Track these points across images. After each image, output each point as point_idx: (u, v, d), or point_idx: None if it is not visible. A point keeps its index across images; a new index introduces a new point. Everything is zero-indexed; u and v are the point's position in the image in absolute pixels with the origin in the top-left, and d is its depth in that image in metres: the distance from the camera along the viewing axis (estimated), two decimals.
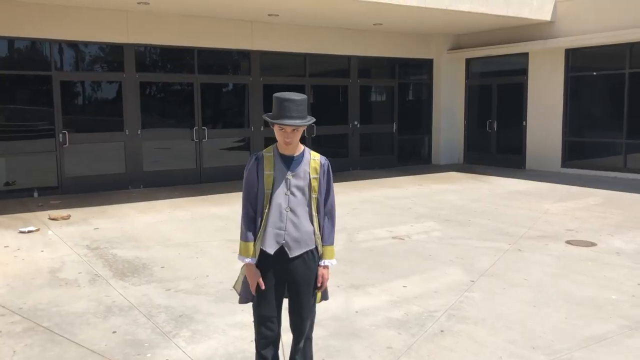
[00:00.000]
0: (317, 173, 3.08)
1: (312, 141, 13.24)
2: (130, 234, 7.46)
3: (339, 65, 13.86)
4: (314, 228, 3.07)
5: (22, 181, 10.26)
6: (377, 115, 14.74)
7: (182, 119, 11.90)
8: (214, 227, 7.84)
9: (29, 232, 7.55)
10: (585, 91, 12.87)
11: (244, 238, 3.04)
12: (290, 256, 3.02)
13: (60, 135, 10.49)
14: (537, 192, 10.58)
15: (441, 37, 15.06)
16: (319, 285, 3.11)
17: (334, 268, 5.82)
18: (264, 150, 3.12)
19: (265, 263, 3.02)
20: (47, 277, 5.64)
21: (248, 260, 3.01)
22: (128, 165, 11.25)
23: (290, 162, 3.05)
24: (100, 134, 11.00)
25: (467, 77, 15.28)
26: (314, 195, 3.07)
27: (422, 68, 15.31)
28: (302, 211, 3.05)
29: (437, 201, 9.79)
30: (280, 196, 3.01)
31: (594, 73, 12.60)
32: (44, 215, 8.64)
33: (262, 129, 12.63)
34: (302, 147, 3.09)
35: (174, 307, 4.78)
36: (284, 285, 3.09)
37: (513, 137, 14.32)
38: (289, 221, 3.01)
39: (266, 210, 3.01)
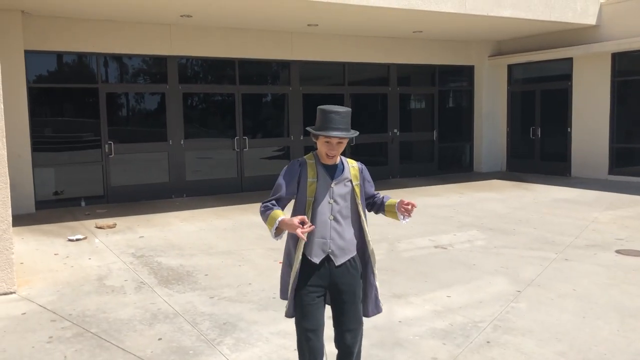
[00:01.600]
0: (357, 180, 3.11)
1: (352, 150, 13.23)
2: (174, 242, 7.59)
3: (378, 74, 13.84)
4: (359, 234, 3.10)
5: (69, 190, 10.57)
6: (417, 123, 14.63)
7: (223, 128, 12.07)
8: (255, 236, 7.90)
9: (77, 240, 7.77)
10: (633, 96, 12.47)
11: (267, 213, 2.98)
12: (336, 264, 3.02)
13: (106, 145, 10.77)
14: (584, 200, 10.29)
15: (482, 43, 14.88)
16: (409, 207, 3.09)
17: None
18: (306, 157, 3.11)
19: (309, 272, 3.01)
20: (95, 284, 5.78)
21: (280, 218, 2.91)
22: (171, 174, 11.47)
23: (332, 172, 3.06)
24: (144, 144, 11.25)
25: (509, 83, 15.03)
26: (358, 201, 3.09)
27: (463, 75, 15.14)
28: (345, 219, 3.06)
29: (479, 209, 9.63)
30: (324, 205, 3.02)
31: None
32: (91, 223, 8.87)
33: (301, 138, 12.69)
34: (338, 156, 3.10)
35: (217, 314, 4.83)
36: (326, 295, 3.08)
37: (557, 144, 13.99)
38: (333, 230, 3.03)
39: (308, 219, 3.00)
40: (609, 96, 12.74)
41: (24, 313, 4.97)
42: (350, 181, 3.08)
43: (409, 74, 14.31)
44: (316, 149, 3.08)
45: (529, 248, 6.94)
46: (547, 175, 13.93)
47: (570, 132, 13.62)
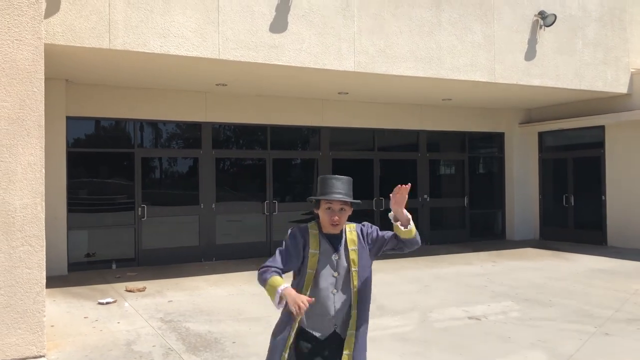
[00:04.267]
0: (355, 245, 2.99)
1: (381, 215, 13.16)
2: (203, 307, 7.54)
3: (407, 140, 13.94)
4: (356, 302, 2.95)
5: (101, 253, 10.69)
6: (447, 189, 14.57)
7: (253, 192, 12.20)
8: None
9: (107, 303, 7.78)
10: None
11: (266, 277, 2.84)
12: (342, 337, 2.93)
13: (139, 208, 10.95)
14: (623, 271, 9.96)
15: (512, 110, 14.95)
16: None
17: (406, 349, 5.61)
18: (309, 225, 3.03)
19: (314, 348, 2.90)
20: (123, 350, 5.74)
21: (282, 287, 2.77)
22: (202, 238, 11.54)
23: (335, 242, 2.97)
24: (176, 208, 11.41)
25: (540, 150, 14.96)
26: (352, 269, 2.95)
27: (493, 141, 15.15)
28: (347, 288, 2.96)
29: (513, 279, 9.38)
30: (326, 278, 2.92)
31: None
32: (121, 286, 8.90)
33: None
34: None
35: None
36: None
37: (592, 212, 13.71)
38: (338, 302, 2.93)
39: (307, 292, 2.89)
40: None
41: None
42: (348, 248, 2.98)
43: (439, 140, 14.39)
44: (318, 218, 3.00)
45: (566, 321, 6.69)
46: (582, 244, 13.59)
47: (605, 200, 13.36)
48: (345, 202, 2.94)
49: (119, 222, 10.88)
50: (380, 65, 9.57)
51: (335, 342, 2.92)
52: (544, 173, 14.90)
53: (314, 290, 2.90)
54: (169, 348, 5.78)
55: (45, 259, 5.53)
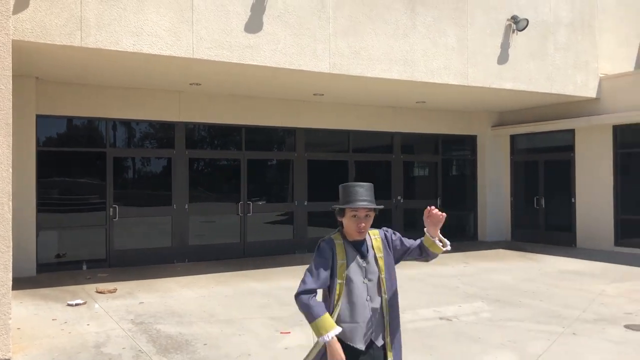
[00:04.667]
0: (381, 251, 3.01)
1: None
2: (174, 309, 7.47)
3: (382, 141, 14.02)
4: (383, 308, 2.96)
5: (72, 253, 10.52)
6: (420, 191, 14.68)
7: (228, 193, 12.13)
8: (257, 304, 7.78)
9: (77, 305, 7.66)
10: (637, 168, 12.55)
11: (316, 314, 2.76)
12: (378, 345, 2.93)
13: (111, 209, 10.80)
14: (590, 272, 10.16)
15: (484, 113, 15.14)
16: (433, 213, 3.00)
17: None
18: (332, 236, 3.01)
19: (353, 358, 2.85)
20: (92, 352, 5.65)
21: (332, 333, 2.74)
22: (174, 239, 11.43)
23: (361, 249, 2.97)
24: (149, 209, 11.28)
25: (512, 153, 15.18)
26: (381, 275, 2.97)
27: (466, 144, 15.32)
28: (377, 294, 2.96)
29: (485, 280, 9.50)
30: (359, 286, 2.90)
31: None
32: (91, 288, 8.77)
33: (305, 203, 12.72)
34: None
35: None
36: None
37: (562, 214, 13.96)
38: (372, 310, 2.92)
39: (340, 302, 2.86)
40: (612, 167, 12.82)
41: None
42: (375, 255, 2.99)
43: (413, 143, 14.50)
44: (341, 226, 2.99)
45: (535, 321, 6.79)
46: (552, 245, 13.83)
47: (575, 203, 13.62)
48: (370, 209, 2.94)
49: (90, 223, 10.71)
50: (355, 67, 9.60)
51: (371, 351, 2.91)
52: (516, 175, 15.12)
53: (349, 300, 2.88)
54: (139, 350, 5.71)
55: (11, 260, 5.42)
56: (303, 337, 6.11)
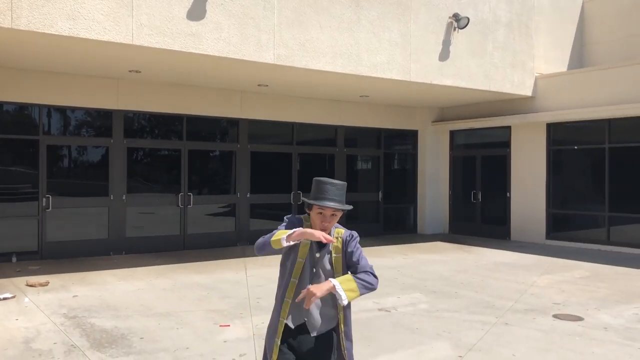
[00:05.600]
0: (339, 252, 3.03)
1: (298, 209, 13.23)
2: (110, 303, 7.26)
3: (325, 134, 14.07)
4: (336, 311, 3.02)
5: (0, 245, 10.05)
6: (362, 184, 14.85)
7: (168, 184, 11.88)
8: (196, 297, 7.67)
9: (4, 299, 7.32)
10: (568, 164, 13.13)
11: (272, 233, 2.89)
12: (311, 335, 2.96)
13: (44, 199, 10.38)
14: (523, 264, 10.56)
15: (426, 109, 15.44)
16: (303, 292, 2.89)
17: None
18: (302, 217, 3.07)
19: (286, 337, 2.96)
20: (21, 348, 5.42)
21: (296, 229, 2.83)
22: (111, 230, 11.11)
23: (321, 243, 3.01)
24: (84, 199, 10.91)
25: (452, 148, 15.56)
26: (336, 274, 3.02)
27: (407, 138, 15.59)
28: None
29: (423, 272, 9.72)
30: (307, 272, 2.98)
31: (575, 147, 12.90)
32: (21, 281, 8.41)
33: (248, 195, 12.63)
34: None
35: None
36: None
37: (497, 208, 14.44)
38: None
39: (291, 281, 2.96)
40: (545, 163, 13.35)
41: None
42: (330, 252, 3.03)
43: (356, 136, 14.63)
44: (308, 215, 3.05)
45: (470, 312, 7.00)
46: (487, 238, 14.29)
47: (510, 197, 14.11)
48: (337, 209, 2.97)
49: (21, 213, 10.26)
50: (299, 59, 9.57)
51: (300, 336, 2.95)
52: (455, 170, 15.52)
53: (299, 280, 2.95)
54: (72, 345, 5.53)
55: None
56: (243, 330, 6.07)
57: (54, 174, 10.60)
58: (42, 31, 7.38)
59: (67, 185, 10.77)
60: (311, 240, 2.99)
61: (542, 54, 14.30)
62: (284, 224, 3.05)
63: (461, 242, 13.56)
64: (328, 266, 3.01)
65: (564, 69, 15.09)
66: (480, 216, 14.85)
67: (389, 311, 7.01)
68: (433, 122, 15.49)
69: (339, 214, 2.98)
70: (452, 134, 15.52)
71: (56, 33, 7.48)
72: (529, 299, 7.69)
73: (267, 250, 2.92)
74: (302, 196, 13.34)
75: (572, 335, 6.04)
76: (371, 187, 14.90)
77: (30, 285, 8.12)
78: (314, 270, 2.99)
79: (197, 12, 8.56)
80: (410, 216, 15.61)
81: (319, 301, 2.98)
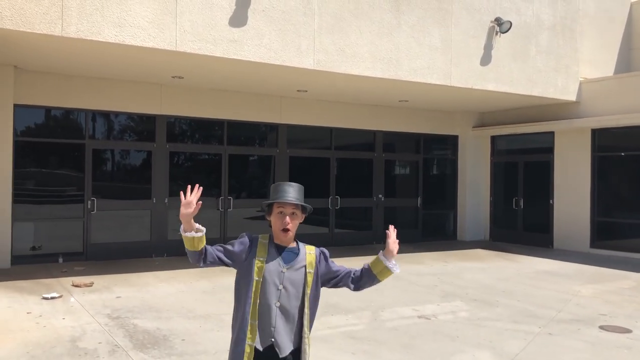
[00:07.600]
0: (312, 267, 2.95)
1: (336, 213, 13.22)
2: (152, 304, 7.40)
3: (364, 139, 14.04)
4: (303, 326, 2.89)
5: (47, 246, 10.36)
6: (401, 189, 14.74)
7: (208, 188, 12.04)
8: None
9: (52, 298, 7.54)
10: (614, 171, 12.75)
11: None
12: (280, 355, 2.85)
13: (89, 201, 10.66)
14: (566, 273, 10.30)
15: (466, 114, 15.24)
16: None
17: (356, 348, 5.65)
18: (260, 235, 2.99)
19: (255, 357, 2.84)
20: (67, 346, 5.57)
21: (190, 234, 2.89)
22: (153, 233, 11.32)
23: (287, 255, 2.92)
24: (128, 202, 11.16)
25: (493, 153, 15.31)
26: (307, 291, 2.92)
27: (447, 144, 15.42)
28: (293, 307, 2.89)
29: (463, 279, 9.58)
30: (271, 290, 2.85)
31: (622, 154, 12.52)
32: (67, 281, 8.65)
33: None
34: (295, 241, 2.99)
35: None
36: None
37: (540, 215, 14.13)
38: (279, 318, 2.86)
39: (252, 302, 2.84)
40: (590, 170, 13.00)
41: None
42: (305, 267, 2.92)
43: (395, 141, 14.55)
44: (270, 227, 2.98)
45: (512, 321, 6.86)
46: (529, 246, 13.99)
47: (553, 204, 13.79)
48: (296, 206, 2.92)
49: (67, 215, 10.56)
50: (339, 64, 9.59)
51: (275, 357, 2.85)
52: (495, 176, 15.26)
53: (260, 302, 2.84)
54: (116, 345, 5.65)
55: None
56: None
57: (98, 177, 10.88)
58: (90, 38, 7.60)
59: (111, 188, 11.03)
60: (276, 256, 2.90)
61: (587, 58, 13.93)
62: (234, 241, 2.98)
63: (502, 250, 13.31)
64: (298, 281, 2.89)
65: (610, 73, 14.68)
66: (522, 223, 14.55)
67: (429, 319, 6.93)
68: (474, 127, 15.27)
69: (300, 215, 2.93)
70: (494, 139, 15.27)
71: (103, 40, 7.69)
72: (574, 309, 7.49)
73: (193, 257, 2.91)
74: (340, 201, 13.34)
75: (620, 347, 5.85)
76: (410, 192, 14.78)
77: (76, 286, 8.34)
78: (281, 286, 2.86)
79: (238, 18, 8.67)
80: (449, 222, 15.41)
81: (284, 321, 2.87)
